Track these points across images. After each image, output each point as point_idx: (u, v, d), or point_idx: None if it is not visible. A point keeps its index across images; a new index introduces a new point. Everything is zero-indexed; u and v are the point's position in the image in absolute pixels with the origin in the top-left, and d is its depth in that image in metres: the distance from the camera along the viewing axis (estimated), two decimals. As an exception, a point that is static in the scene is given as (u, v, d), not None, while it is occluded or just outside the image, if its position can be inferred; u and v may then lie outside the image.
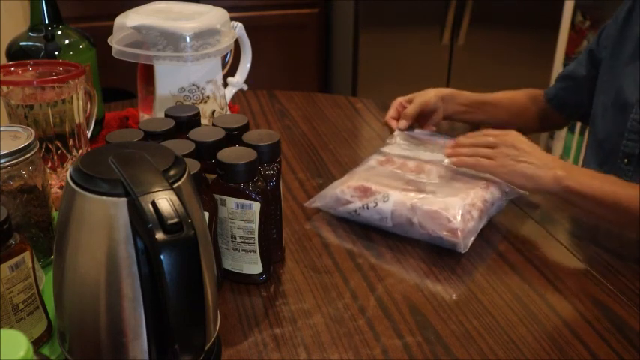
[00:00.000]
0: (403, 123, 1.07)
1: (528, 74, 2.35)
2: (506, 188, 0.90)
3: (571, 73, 1.18)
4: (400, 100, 1.12)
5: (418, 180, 0.91)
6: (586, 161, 1.13)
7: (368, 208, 0.87)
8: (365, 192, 0.88)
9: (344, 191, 0.90)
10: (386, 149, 1.02)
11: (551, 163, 0.86)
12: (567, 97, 1.19)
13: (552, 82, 1.24)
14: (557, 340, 0.69)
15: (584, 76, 1.15)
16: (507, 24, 2.34)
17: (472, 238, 0.84)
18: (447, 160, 0.94)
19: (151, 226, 0.47)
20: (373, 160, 0.98)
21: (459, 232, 0.81)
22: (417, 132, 1.08)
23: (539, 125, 1.25)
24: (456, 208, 0.83)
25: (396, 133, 1.07)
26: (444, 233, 0.82)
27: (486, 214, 0.87)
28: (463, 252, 0.82)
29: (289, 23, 2.42)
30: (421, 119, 1.11)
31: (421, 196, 0.86)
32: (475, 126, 1.20)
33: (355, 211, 0.88)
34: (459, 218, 0.82)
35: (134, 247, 0.52)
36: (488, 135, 0.92)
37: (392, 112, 1.11)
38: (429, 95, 1.11)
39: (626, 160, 1.03)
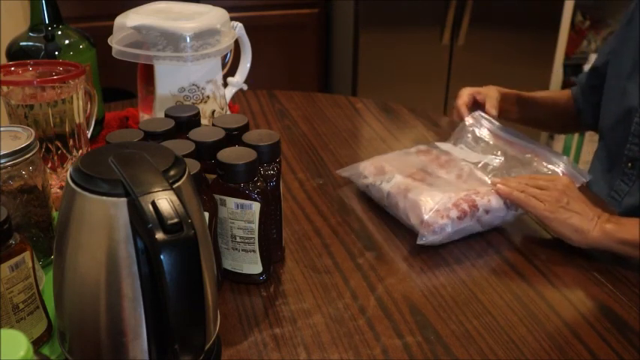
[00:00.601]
0: (493, 111, 1.07)
1: (528, 74, 2.35)
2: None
3: (580, 79, 1.21)
4: (470, 90, 1.12)
5: (432, 172, 0.92)
6: (593, 167, 1.14)
7: (374, 185, 0.93)
8: (379, 171, 0.94)
9: (366, 167, 0.97)
10: (439, 143, 1.02)
11: (597, 217, 0.82)
12: (580, 101, 1.21)
13: (552, 82, 1.26)
14: (557, 340, 0.69)
15: (583, 83, 1.18)
16: (507, 24, 2.34)
17: (441, 236, 0.83)
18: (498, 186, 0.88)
19: (151, 226, 0.47)
20: (414, 148, 1.02)
21: (425, 225, 0.82)
22: (499, 125, 1.04)
23: (575, 126, 1.28)
24: (434, 203, 0.84)
25: (478, 116, 1.04)
26: (416, 222, 0.84)
27: (474, 219, 0.85)
28: (419, 243, 0.82)
29: (289, 23, 2.42)
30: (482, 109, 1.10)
31: (417, 184, 0.88)
32: (522, 123, 1.23)
33: (367, 186, 0.95)
34: (431, 212, 0.83)
35: (134, 247, 0.52)
36: (539, 178, 0.89)
37: (465, 98, 1.10)
38: (500, 90, 1.14)
39: (630, 164, 1.03)
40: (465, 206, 0.84)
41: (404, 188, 0.88)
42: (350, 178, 0.99)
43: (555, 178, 0.89)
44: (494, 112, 1.07)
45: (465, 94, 1.12)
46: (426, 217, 0.83)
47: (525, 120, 1.22)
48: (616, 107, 1.06)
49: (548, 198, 0.84)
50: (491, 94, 1.12)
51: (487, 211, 0.86)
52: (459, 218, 0.84)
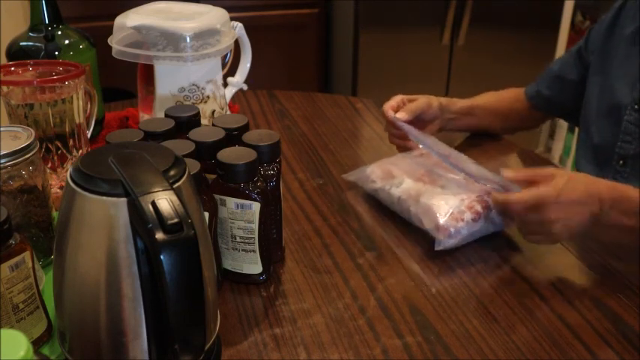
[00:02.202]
0: (403, 114, 1.02)
1: (528, 74, 2.33)
2: None
3: (558, 73, 1.17)
4: (402, 96, 1.08)
5: (441, 174, 0.91)
6: (580, 165, 1.12)
7: (384, 190, 0.93)
8: (387, 175, 0.94)
9: (373, 171, 0.96)
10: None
11: (599, 209, 0.79)
12: (552, 96, 1.18)
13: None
14: (557, 340, 0.69)
15: (574, 78, 1.15)
16: (507, 24, 2.34)
17: (457, 240, 0.82)
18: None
19: (151, 226, 0.47)
20: (414, 152, 1.00)
21: (441, 230, 0.82)
22: (412, 129, 1.01)
23: (521, 124, 1.25)
24: (448, 207, 0.83)
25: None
26: (430, 227, 0.83)
27: (488, 220, 0.85)
28: (437, 249, 0.82)
29: (289, 23, 2.42)
30: (418, 124, 1.06)
31: (428, 188, 0.87)
32: (464, 132, 1.20)
33: (375, 190, 0.95)
34: (446, 217, 0.82)
35: (134, 247, 0.52)
36: (527, 222, 0.81)
37: (392, 102, 1.05)
38: (432, 100, 1.08)
39: (621, 162, 1.03)
40: (479, 207, 0.84)
41: (415, 193, 0.87)
42: (356, 182, 0.98)
43: (539, 202, 0.78)
44: (402, 114, 1.02)
45: (394, 101, 1.06)
46: (441, 221, 0.82)
47: (473, 128, 1.18)
48: (604, 103, 1.05)
49: (547, 233, 0.80)
50: (421, 99, 1.07)
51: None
52: (474, 220, 0.83)
